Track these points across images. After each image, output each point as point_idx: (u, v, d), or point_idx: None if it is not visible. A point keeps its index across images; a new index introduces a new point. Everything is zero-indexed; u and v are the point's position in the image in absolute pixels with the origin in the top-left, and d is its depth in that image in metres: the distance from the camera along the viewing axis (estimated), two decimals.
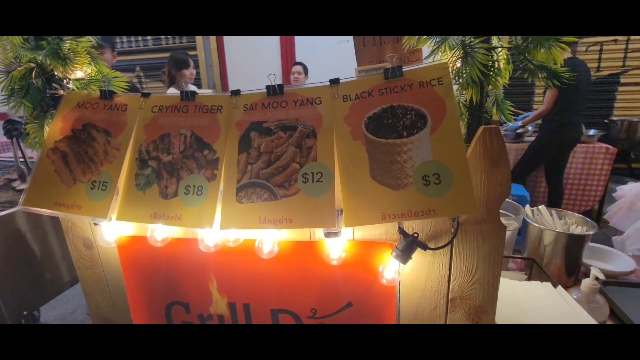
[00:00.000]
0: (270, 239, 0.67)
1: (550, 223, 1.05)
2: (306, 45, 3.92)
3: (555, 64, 0.57)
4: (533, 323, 0.71)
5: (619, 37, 3.17)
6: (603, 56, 3.26)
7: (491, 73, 0.58)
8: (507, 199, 0.74)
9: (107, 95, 0.73)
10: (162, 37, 4.11)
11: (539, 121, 2.84)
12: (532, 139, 2.92)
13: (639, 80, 3.24)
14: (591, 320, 0.72)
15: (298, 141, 0.63)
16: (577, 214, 1.06)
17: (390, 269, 0.64)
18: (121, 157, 0.69)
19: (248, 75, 4.16)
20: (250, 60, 4.09)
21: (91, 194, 0.68)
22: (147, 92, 0.74)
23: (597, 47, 3.24)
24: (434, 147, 0.56)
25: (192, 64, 2.62)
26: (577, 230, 1.00)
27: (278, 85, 0.66)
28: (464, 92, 0.58)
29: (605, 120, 3.24)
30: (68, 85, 0.77)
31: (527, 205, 1.10)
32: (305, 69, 3.27)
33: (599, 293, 0.81)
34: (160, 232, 0.72)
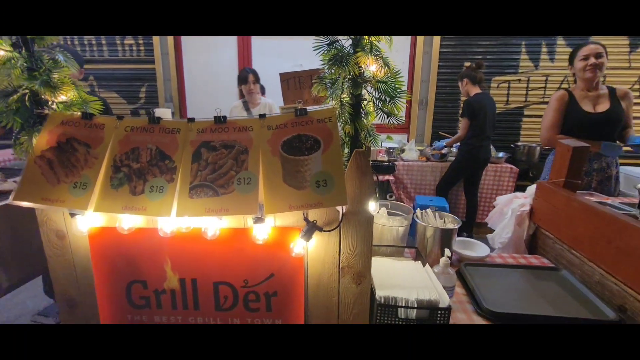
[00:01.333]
0: (213, 226, 0.92)
1: (432, 221, 1.41)
2: (263, 66, 4.22)
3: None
4: (399, 283, 1.03)
5: (522, 77, 3.86)
6: (510, 92, 3.94)
7: (362, 115, 0.90)
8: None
9: (88, 116, 0.95)
10: (120, 48, 4.17)
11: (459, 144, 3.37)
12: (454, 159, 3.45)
13: (537, 113, 3.94)
14: (437, 282, 1.05)
15: (235, 156, 0.90)
16: (452, 215, 1.43)
17: (299, 246, 0.92)
18: (99, 164, 0.90)
19: (205, 91, 4.34)
20: (208, 76, 4.28)
21: (73, 192, 0.88)
22: (121, 115, 0.97)
23: (506, 85, 3.91)
24: (324, 162, 0.86)
25: (250, 79, 2.98)
26: (449, 225, 1.37)
27: (222, 116, 0.93)
28: (345, 127, 0.90)
29: (512, 145, 3.88)
30: (52, 106, 0.97)
31: (418, 209, 1.45)
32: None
33: (451, 267, 1.16)
34: (127, 222, 0.94)
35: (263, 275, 0.97)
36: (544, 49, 3.67)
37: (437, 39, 3.75)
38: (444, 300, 0.96)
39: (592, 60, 1.93)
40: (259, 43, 4.16)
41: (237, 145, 0.90)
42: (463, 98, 3.59)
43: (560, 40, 3.65)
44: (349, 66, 0.80)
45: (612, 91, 2.01)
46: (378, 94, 0.87)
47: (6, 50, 0.89)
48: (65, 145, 0.92)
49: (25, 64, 0.90)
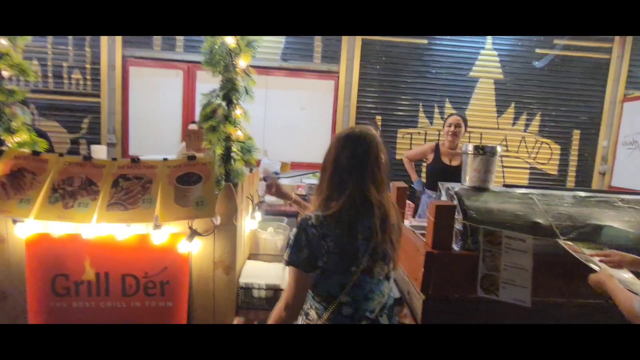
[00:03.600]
0: (123, 232, 1.33)
1: None
2: None
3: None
4: (259, 275, 1.49)
5: (420, 131, 4.75)
6: (413, 142, 4.79)
7: (232, 162, 1.40)
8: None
9: (37, 154, 1.34)
10: (65, 81, 4.42)
11: None
12: None
13: None
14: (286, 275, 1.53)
15: (143, 184, 1.34)
16: None
17: (185, 246, 1.36)
18: (41, 187, 1.29)
19: (149, 126, 4.68)
20: (153, 113, 4.64)
21: (19, 205, 1.25)
22: (62, 153, 1.37)
23: (409, 136, 4.77)
24: (203, 190, 1.34)
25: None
26: None
27: (137, 158, 1.39)
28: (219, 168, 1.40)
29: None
30: (8, 144, 1.36)
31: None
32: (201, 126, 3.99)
33: None
34: (59, 229, 1.31)
35: (159, 268, 1.39)
36: (436, 110, 4.62)
37: (354, 95, 4.54)
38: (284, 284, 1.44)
39: (452, 128, 2.68)
40: (202, 87, 4.65)
41: (145, 177, 1.36)
42: None
43: (447, 104, 4.64)
44: (220, 132, 1.32)
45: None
46: (241, 149, 1.39)
47: None
48: (16, 172, 1.30)
49: None
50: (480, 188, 1.60)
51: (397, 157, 4.49)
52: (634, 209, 1.54)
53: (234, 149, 1.38)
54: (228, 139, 1.33)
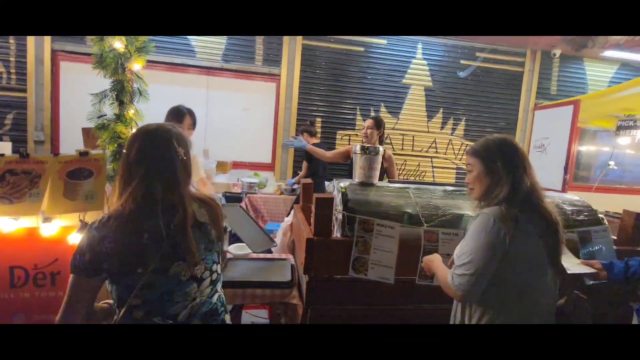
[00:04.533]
0: (9, 225, 1.36)
1: None
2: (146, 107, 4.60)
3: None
4: None
5: (358, 132, 5.02)
6: (351, 143, 5.05)
7: None
8: None
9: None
10: None
11: None
12: None
13: None
14: None
15: (32, 179, 1.39)
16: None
17: (76, 238, 1.42)
18: None
19: (81, 125, 4.51)
20: (85, 112, 4.49)
21: None
22: None
23: (347, 137, 5.02)
24: (94, 184, 1.41)
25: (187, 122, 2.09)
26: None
27: (27, 153, 1.42)
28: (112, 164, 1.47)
29: None
30: None
31: None
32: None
33: None
34: None
35: (50, 260, 1.43)
36: (372, 113, 4.91)
37: (295, 97, 4.70)
38: None
39: (364, 130, 2.89)
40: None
41: (34, 172, 1.40)
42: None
43: (383, 108, 4.95)
44: (110, 131, 1.40)
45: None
46: None
47: None
48: None
49: None
50: (366, 183, 1.81)
51: None
52: None
53: None
54: (119, 137, 1.41)
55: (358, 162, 1.84)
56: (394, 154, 4.93)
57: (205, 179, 1.84)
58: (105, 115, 1.35)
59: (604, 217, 1.82)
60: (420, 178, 5.02)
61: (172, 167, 0.90)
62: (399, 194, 1.77)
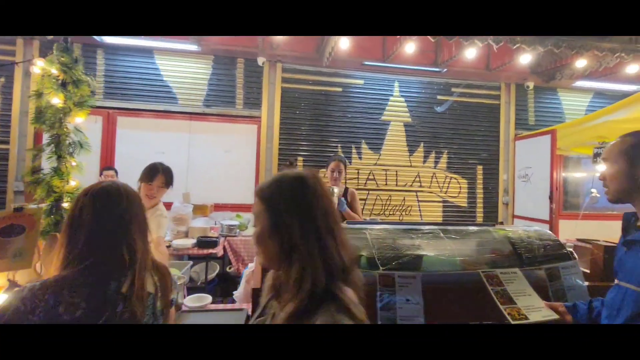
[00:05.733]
0: None
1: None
2: (126, 152, 4.55)
3: None
4: None
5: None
6: None
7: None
8: None
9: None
10: None
11: None
12: None
13: None
14: None
15: None
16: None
17: (1, 299, 1.33)
18: None
19: None
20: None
21: None
22: None
23: None
24: (25, 241, 1.35)
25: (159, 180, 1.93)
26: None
27: None
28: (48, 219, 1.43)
29: None
30: None
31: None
32: (116, 171, 3.92)
33: None
34: None
35: None
36: (354, 150, 4.95)
37: (276, 138, 4.76)
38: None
39: (334, 173, 2.85)
40: (124, 133, 4.59)
41: None
42: None
43: (364, 144, 5.00)
44: (44, 185, 1.37)
45: (346, 191, 2.98)
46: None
47: None
48: None
49: None
50: None
51: None
52: (451, 238, 1.75)
53: (65, 199, 1.43)
54: (54, 191, 1.38)
55: None
56: (378, 189, 4.93)
57: (162, 240, 1.78)
58: (43, 169, 1.32)
59: (572, 251, 1.74)
60: (407, 213, 4.95)
61: (122, 228, 0.85)
62: (356, 235, 1.70)
